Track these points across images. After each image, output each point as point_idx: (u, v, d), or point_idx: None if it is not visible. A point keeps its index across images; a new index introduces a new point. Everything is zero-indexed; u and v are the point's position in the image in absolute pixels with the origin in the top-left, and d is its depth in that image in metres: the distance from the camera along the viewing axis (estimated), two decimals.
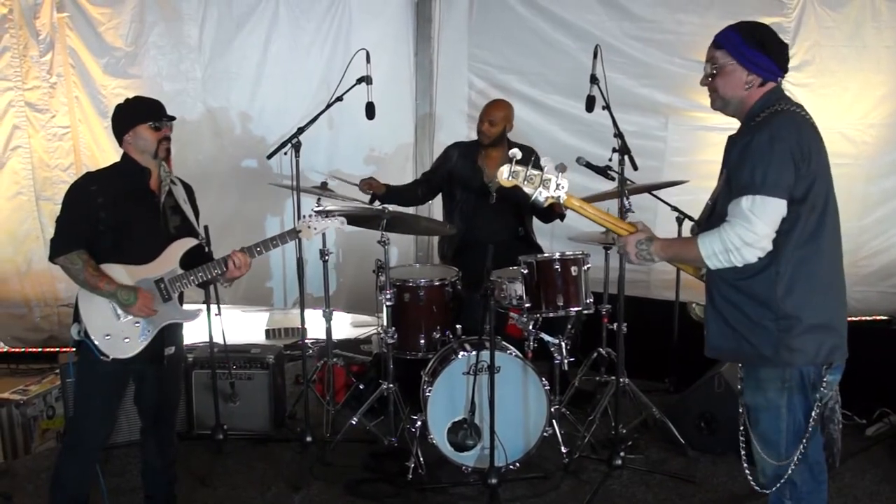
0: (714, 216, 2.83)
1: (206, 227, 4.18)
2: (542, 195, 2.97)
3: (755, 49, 2.77)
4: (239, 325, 6.43)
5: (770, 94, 2.81)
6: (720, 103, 2.90)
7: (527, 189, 2.98)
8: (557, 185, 2.95)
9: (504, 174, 2.97)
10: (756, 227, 2.62)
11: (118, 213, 3.42)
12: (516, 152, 2.97)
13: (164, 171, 3.59)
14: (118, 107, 3.58)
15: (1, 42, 5.80)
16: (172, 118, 3.59)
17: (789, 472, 2.80)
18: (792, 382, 2.76)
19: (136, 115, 3.50)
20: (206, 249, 3.87)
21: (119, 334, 3.44)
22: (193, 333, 4.85)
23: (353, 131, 6.14)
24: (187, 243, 3.58)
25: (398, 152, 6.63)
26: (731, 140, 2.86)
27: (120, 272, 3.45)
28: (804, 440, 2.79)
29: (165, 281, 3.50)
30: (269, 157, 4.68)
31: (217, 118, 6.27)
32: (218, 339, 4.71)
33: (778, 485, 2.83)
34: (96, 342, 3.42)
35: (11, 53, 5.83)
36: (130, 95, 3.74)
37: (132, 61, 6.01)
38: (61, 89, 5.97)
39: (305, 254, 4.91)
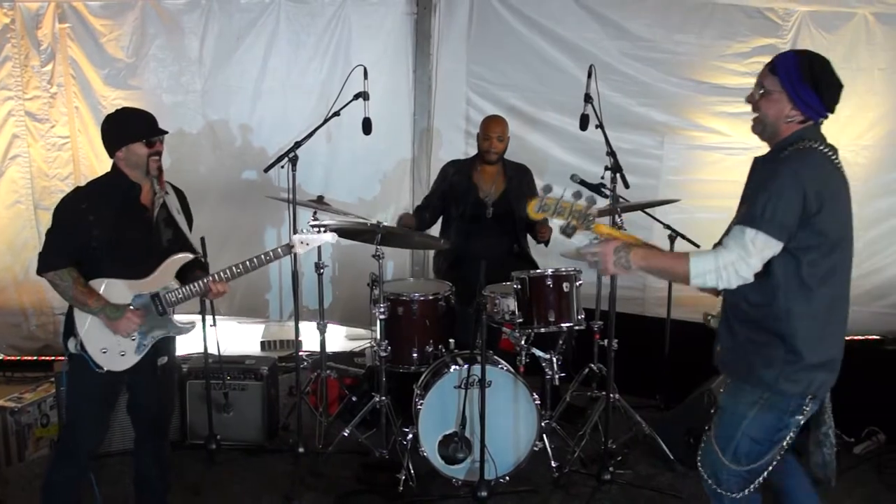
0: None
1: (202, 239, 4.22)
2: (571, 227, 2.97)
3: (808, 86, 2.72)
4: (234, 337, 6.45)
5: (805, 129, 2.78)
6: (759, 127, 2.88)
7: (557, 221, 2.97)
8: (587, 216, 2.95)
9: (535, 208, 2.97)
10: (752, 260, 2.66)
11: (110, 230, 3.43)
12: (549, 186, 2.97)
13: (156, 185, 3.59)
14: (110, 119, 3.56)
15: (2, 52, 5.85)
16: (165, 132, 3.58)
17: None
18: (765, 401, 2.81)
19: (129, 132, 3.48)
20: (203, 260, 3.89)
21: (115, 348, 3.49)
22: (188, 344, 4.88)
23: (352, 146, 6.18)
24: (184, 259, 3.61)
25: (396, 168, 6.66)
26: (757, 162, 2.88)
27: (119, 287, 3.49)
28: (762, 462, 2.88)
29: (161, 295, 3.54)
30: (267, 170, 4.70)
31: (216, 131, 6.30)
32: (212, 350, 4.74)
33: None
34: (93, 356, 3.46)
35: (13, 63, 5.88)
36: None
37: (133, 73, 6.06)
38: (61, 99, 6.01)
39: (301, 267, 4.94)
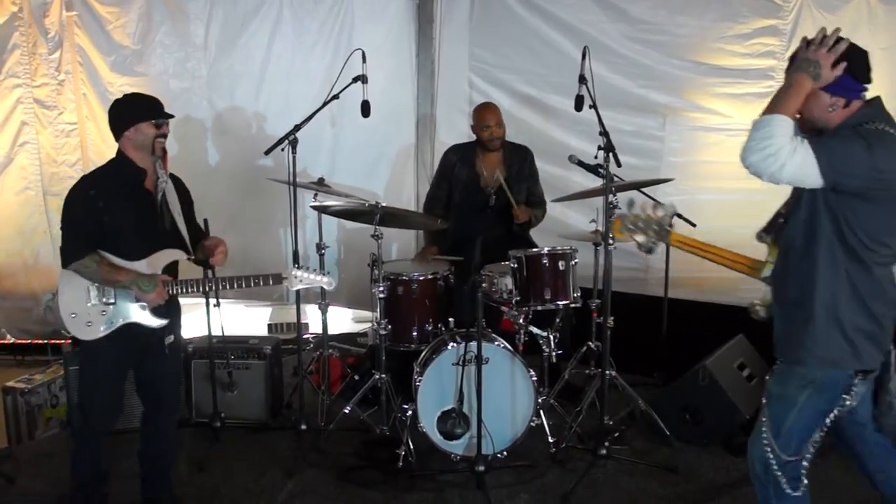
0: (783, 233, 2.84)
1: (205, 220, 4.29)
2: (652, 242, 3.04)
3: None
4: (241, 320, 6.52)
5: (860, 113, 2.71)
6: (808, 126, 2.79)
7: (639, 238, 3.03)
8: (663, 229, 3.00)
9: (620, 228, 3.01)
10: (793, 158, 2.54)
11: (118, 216, 3.54)
12: (631, 201, 2.99)
13: (160, 169, 3.71)
14: (118, 103, 3.69)
15: (11, 40, 5.92)
16: (171, 116, 3.70)
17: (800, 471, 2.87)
18: (815, 383, 2.78)
19: (139, 111, 3.62)
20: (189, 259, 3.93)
21: (83, 316, 3.60)
22: (193, 325, 4.96)
23: (355, 130, 6.22)
24: (174, 255, 3.73)
25: (400, 151, 6.72)
26: None
27: (114, 261, 3.58)
28: (811, 442, 2.85)
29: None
30: (267, 152, 4.71)
31: (222, 116, 6.38)
32: (217, 331, 4.82)
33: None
34: (63, 316, 3.59)
35: (21, 51, 5.96)
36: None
37: (139, 59, 6.14)
38: (69, 86, 6.10)
39: (307, 250, 4.97)
